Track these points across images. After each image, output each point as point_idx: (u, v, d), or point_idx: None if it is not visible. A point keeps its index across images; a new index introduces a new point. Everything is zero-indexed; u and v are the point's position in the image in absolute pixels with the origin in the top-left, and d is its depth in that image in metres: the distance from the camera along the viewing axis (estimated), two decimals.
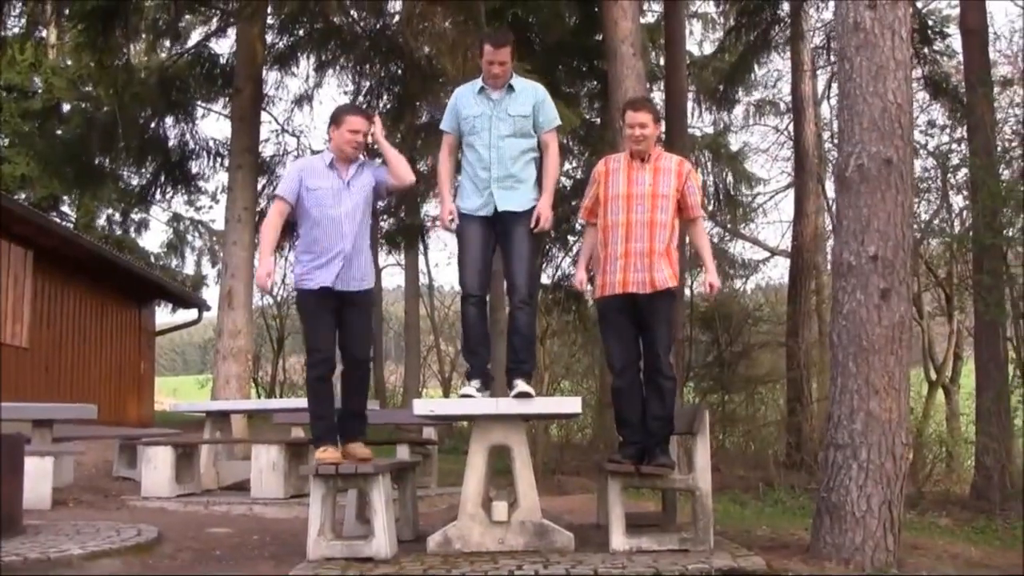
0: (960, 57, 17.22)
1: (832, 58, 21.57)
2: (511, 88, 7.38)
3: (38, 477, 9.74)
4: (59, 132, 23.20)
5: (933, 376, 20.60)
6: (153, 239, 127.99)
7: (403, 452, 11.21)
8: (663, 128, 15.30)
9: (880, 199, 7.05)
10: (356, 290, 7.19)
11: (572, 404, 7.43)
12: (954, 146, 17.17)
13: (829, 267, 20.55)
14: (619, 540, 6.74)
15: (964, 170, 16.10)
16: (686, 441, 7.75)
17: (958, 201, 17.07)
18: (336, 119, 7.32)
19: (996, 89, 16.13)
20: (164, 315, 25.94)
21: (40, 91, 25.81)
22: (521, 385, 6.97)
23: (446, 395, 30.75)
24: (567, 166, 22.68)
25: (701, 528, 6.83)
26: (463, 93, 7.59)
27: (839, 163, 7.49)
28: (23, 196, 24.09)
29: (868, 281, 6.99)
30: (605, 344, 7.35)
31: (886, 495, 6.80)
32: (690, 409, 7.66)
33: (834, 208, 16.16)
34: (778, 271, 43.67)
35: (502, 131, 7.29)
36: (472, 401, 7.00)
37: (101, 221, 29.36)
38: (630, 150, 7.21)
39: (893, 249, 7.01)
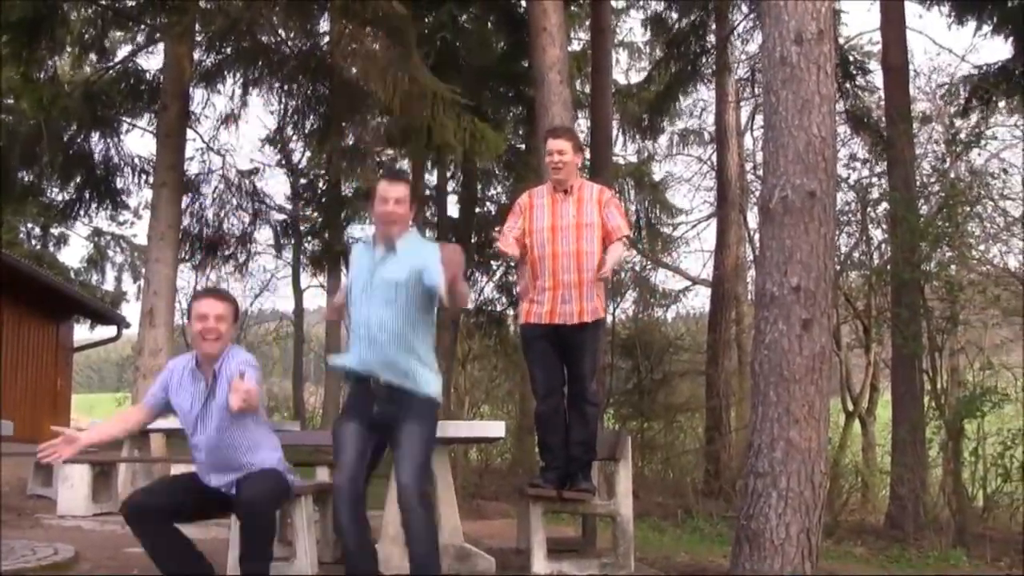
0: (881, 93, 17.61)
1: (756, 90, 21.88)
2: (393, 248, 5.72)
3: None
4: None
5: (850, 407, 20.83)
6: (72, 254, 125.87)
7: (323, 474, 11.11)
8: (587, 156, 15.44)
9: (803, 231, 7.14)
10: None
11: (496, 428, 7.43)
12: (874, 180, 17.43)
13: (750, 297, 20.89)
14: (540, 565, 6.75)
15: (884, 204, 16.38)
16: (607, 467, 7.78)
17: (877, 234, 17.33)
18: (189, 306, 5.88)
19: (916, 125, 16.46)
20: (82, 331, 25.56)
21: None
22: None
23: None
24: (492, 191, 22.81)
25: (622, 553, 6.87)
26: (357, 248, 6.10)
27: (763, 195, 7.56)
28: None
29: (790, 312, 7.07)
30: (529, 370, 7.29)
31: (805, 523, 6.88)
32: (612, 435, 7.69)
33: (756, 239, 16.40)
34: (699, 300, 44.05)
35: (373, 303, 5.65)
36: None
37: (20, 235, 28.90)
38: (552, 181, 7.20)
39: (815, 280, 7.11)
